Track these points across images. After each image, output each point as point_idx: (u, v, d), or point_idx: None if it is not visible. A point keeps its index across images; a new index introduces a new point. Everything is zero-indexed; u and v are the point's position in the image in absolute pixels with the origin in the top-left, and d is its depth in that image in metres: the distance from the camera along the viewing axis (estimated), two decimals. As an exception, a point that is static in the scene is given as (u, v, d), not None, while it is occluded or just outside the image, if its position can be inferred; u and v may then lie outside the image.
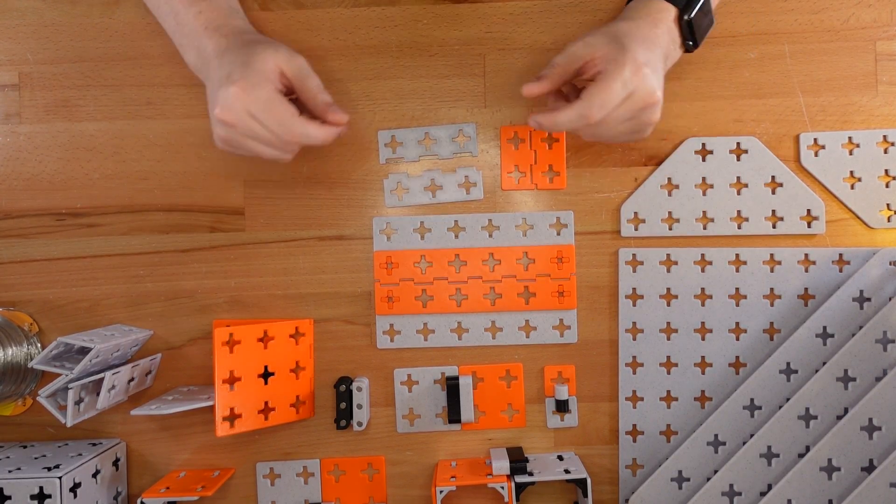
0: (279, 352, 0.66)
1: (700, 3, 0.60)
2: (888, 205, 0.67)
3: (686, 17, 0.60)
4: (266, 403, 0.65)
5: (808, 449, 0.64)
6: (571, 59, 0.59)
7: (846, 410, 0.63)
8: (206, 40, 0.59)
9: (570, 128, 0.58)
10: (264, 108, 0.56)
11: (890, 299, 0.65)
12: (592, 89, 0.56)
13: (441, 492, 0.63)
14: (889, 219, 0.67)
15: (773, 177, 0.68)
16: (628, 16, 0.61)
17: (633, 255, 0.68)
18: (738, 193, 0.68)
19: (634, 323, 0.68)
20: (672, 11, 0.60)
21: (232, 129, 0.57)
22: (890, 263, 0.66)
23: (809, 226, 0.67)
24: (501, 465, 0.64)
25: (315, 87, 0.60)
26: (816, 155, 0.68)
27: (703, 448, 0.66)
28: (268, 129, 0.57)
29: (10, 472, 0.59)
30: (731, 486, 0.64)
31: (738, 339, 0.67)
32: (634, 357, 0.68)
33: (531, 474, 0.64)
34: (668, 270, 0.68)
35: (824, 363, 0.64)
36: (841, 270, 0.67)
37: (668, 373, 0.68)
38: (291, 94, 0.60)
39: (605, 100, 0.56)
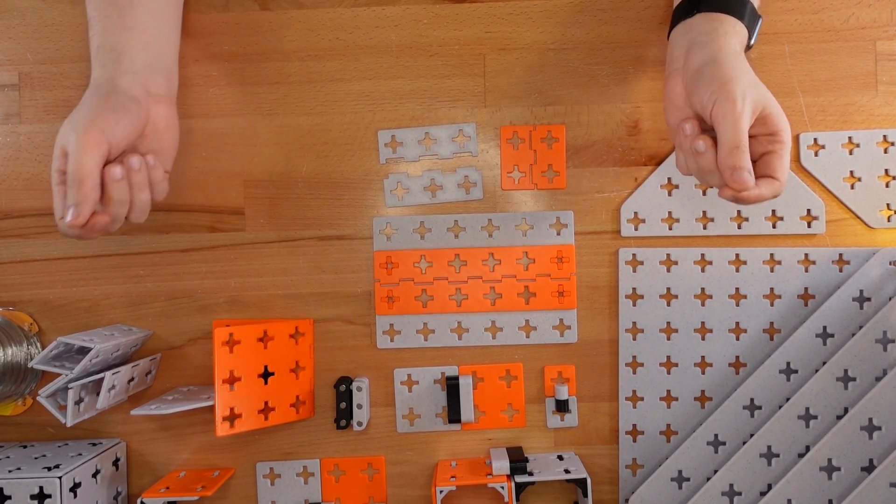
0: (279, 352, 0.66)
1: (759, 24, 0.60)
2: (888, 204, 0.67)
3: (750, 43, 0.59)
4: (266, 403, 0.65)
5: (808, 449, 0.64)
6: (747, 129, 0.54)
7: (846, 410, 0.63)
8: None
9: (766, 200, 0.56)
10: None
11: (890, 299, 0.65)
12: (778, 163, 0.54)
13: (441, 492, 0.63)
14: (889, 218, 0.67)
15: (773, 177, 0.68)
16: (729, 47, 0.57)
17: (633, 254, 0.68)
18: (738, 193, 0.68)
19: (634, 323, 0.68)
20: (746, 34, 0.58)
21: None
22: (890, 263, 0.66)
23: (809, 226, 0.67)
24: (501, 464, 0.64)
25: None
26: (816, 155, 0.68)
27: (703, 448, 0.66)
28: None
29: (10, 471, 0.60)
30: (731, 485, 0.64)
31: (738, 338, 0.67)
32: (634, 357, 0.68)
33: (531, 474, 0.64)
34: (668, 270, 0.68)
35: (824, 363, 0.64)
36: (841, 270, 0.67)
37: (668, 373, 0.68)
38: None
39: (787, 167, 0.55)
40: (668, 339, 0.68)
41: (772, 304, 0.67)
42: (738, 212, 0.68)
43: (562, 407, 0.68)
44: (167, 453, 0.69)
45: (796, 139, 0.68)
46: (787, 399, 0.65)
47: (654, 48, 0.68)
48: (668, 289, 0.68)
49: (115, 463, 0.67)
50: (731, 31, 0.57)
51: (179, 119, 0.65)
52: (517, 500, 0.63)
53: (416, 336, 0.68)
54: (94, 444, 0.66)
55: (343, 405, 0.68)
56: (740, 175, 0.52)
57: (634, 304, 0.68)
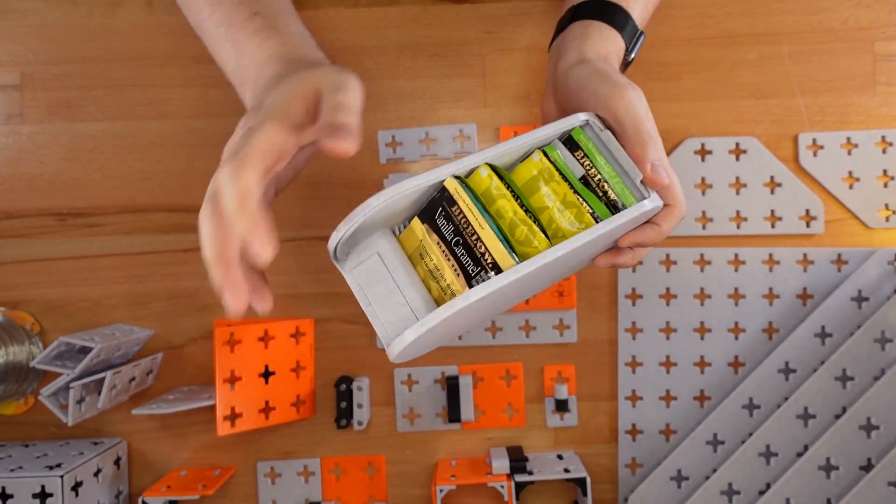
0: (280, 351, 0.66)
1: (641, 40, 0.55)
2: (886, 205, 0.68)
3: (629, 58, 0.56)
4: (267, 403, 0.65)
5: (806, 448, 0.64)
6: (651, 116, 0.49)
7: (844, 410, 0.63)
8: (267, 70, 0.50)
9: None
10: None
11: (888, 299, 0.65)
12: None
13: (441, 491, 0.63)
14: (887, 219, 0.68)
15: (771, 177, 0.68)
16: (594, 50, 0.52)
17: (633, 254, 0.68)
18: (737, 193, 0.68)
19: (634, 322, 0.68)
20: (622, 45, 0.54)
21: None
22: (888, 263, 0.66)
23: (808, 226, 0.68)
24: (501, 464, 0.64)
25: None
26: (815, 155, 0.68)
27: (702, 447, 0.66)
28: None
29: (11, 470, 0.60)
30: (730, 484, 0.64)
31: (737, 338, 0.68)
32: (634, 356, 0.68)
33: (531, 473, 0.64)
34: (668, 270, 0.68)
35: (823, 362, 0.64)
36: (839, 270, 0.67)
37: (668, 372, 0.68)
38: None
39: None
40: (668, 338, 0.68)
41: (770, 304, 0.67)
42: (738, 212, 0.68)
43: (561, 406, 0.68)
44: (168, 452, 0.69)
45: (795, 139, 0.68)
46: (786, 398, 0.65)
47: (653, 48, 0.68)
48: (668, 288, 0.68)
49: (117, 462, 0.67)
50: (599, 36, 0.53)
51: (181, 119, 0.65)
52: (517, 499, 0.63)
53: (416, 336, 0.69)
54: (96, 444, 0.66)
55: (343, 404, 0.68)
56: (657, 171, 0.45)
57: (634, 304, 0.68)
